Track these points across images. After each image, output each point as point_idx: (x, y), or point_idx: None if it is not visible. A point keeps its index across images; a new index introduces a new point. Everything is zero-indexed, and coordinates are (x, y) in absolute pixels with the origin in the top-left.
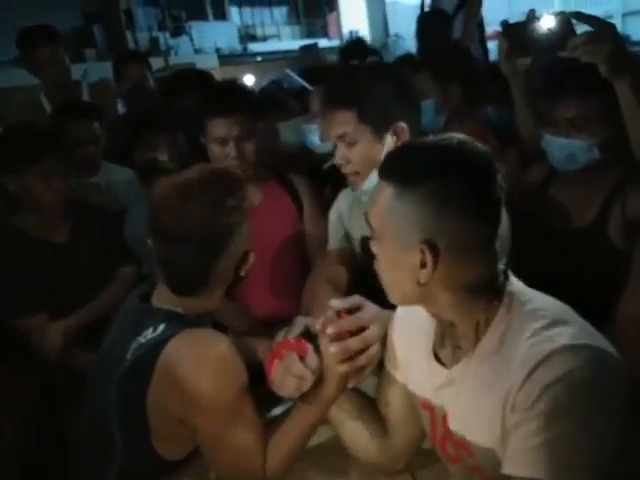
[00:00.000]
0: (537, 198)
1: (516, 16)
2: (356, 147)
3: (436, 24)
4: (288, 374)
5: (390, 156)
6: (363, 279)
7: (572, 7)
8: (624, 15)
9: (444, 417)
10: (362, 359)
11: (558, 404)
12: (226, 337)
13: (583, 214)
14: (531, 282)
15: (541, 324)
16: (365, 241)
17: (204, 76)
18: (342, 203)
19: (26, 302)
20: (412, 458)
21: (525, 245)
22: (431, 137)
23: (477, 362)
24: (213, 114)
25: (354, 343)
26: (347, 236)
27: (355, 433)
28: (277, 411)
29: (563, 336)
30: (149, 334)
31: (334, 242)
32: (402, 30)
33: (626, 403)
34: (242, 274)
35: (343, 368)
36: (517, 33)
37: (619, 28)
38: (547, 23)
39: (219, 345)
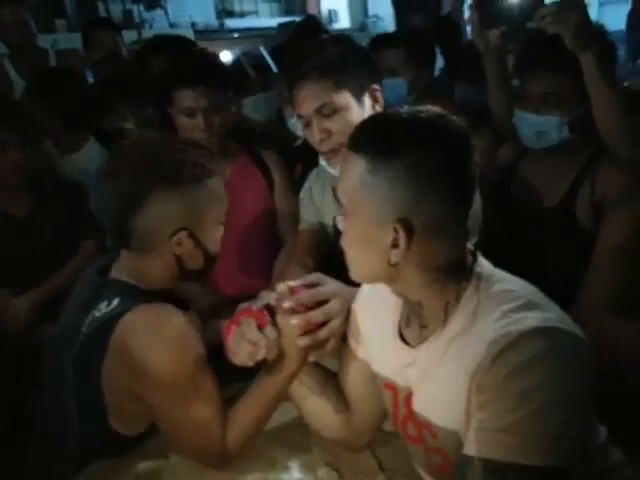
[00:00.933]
0: (507, 177)
1: None
2: (337, 116)
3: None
4: (243, 339)
5: (362, 126)
6: (333, 260)
7: None
8: (601, 4)
9: (407, 397)
10: (323, 332)
11: (528, 385)
12: (182, 312)
13: (552, 193)
14: (499, 262)
15: (510, 306)
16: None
17: (183, 42)
18: (313, 183)
19: None
20: (374, 436)
21: (494, 224)
22: (406, 108)
23: (444, 342)
24: (181, 84)
25: (315, 315)
26: (318, 217)
27: (317, 409)
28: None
29: (533, 319)
30: (103, 308)
31: (304, 222)
32: (381, 11)
33: (593, 390)
34: (179, 252)
35: (303, 341)
36: (488, 4)
37: (595, 17)
38: None
39: (174, 320)
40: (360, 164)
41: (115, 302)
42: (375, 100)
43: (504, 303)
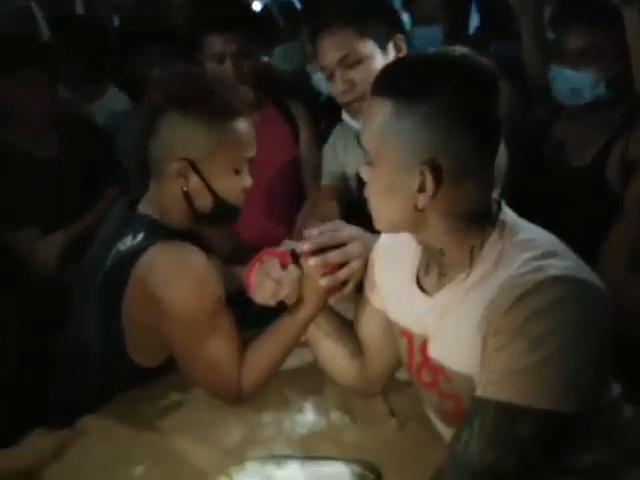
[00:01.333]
0: (540, 135)
1: None
2: (361, 66)
3: None
4: (266, 277)
5: (387, 70)
6: (355, 214)
7: None
8: None
9: (423, 344)
10: (342, 272)
11: (545, 329)
12: (201, 251)
13: (584, 152)
14: (529, 217)
15: (532, 254)
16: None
17: None
18: (337, 138)
19: (15, 216)
20: (387, 383)
21: (525, 181)
22: (431, 50)
23: (466, 288)
24: (209, 29)
25: (334, 256)
26: (341, 171)
27: (333, 353)
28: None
29: (554, 267)
30: (128, 241)
31: (327, 177)
32: None
33: (608, 342)
34: (184, 185)
35: (323, 282)
36: None
37: None
38: None
39: (193, 257)
40: (385, 108)
41: (140, 237)
42: (399, 50)
43: (526, 251)
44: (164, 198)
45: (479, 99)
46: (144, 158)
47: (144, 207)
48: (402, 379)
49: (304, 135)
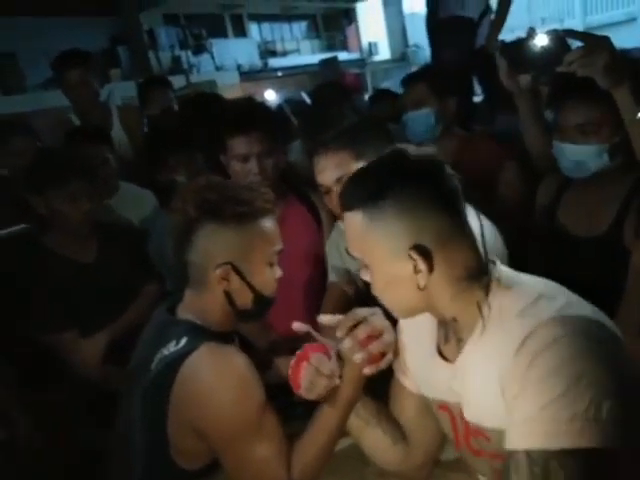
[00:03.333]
0: (550, 209)
1: (535, 22)
2: None
3: (458, 31)
4: (318, 375)
5: (344, 188)
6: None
7: (592, 11)
8: None
9: (461, 412)
10: (374, 346)
11: (548, 370)
12: (242, 354)
13: (598, 222)
14: None
15: (527, 302)
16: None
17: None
18: (338, 238)
19: (57, 319)
20: (431, 468)
21: (540, 257)
22: (373, 160)
23: (474, 348)
24: (235, 132)
25: (374, 347)
26: (345, 267)
27: (375, 441)
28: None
29: (549, 310)
30: (172, 347)
31: (332, 273)
32: (421, 40)
33: (627, 376)
34: (226, 287)
35: (358, 357)
36: (514, 52)
37: None
38: (541, 41)
39: (235, 361)
40: (357, 218)
41: (183, 341)
42: None
43: (521, 302)
44: (205, 302)
45: (431, 180)
46: (182, 267)
47: (183, 312)
48: (446, 459)
49: (326, 223)
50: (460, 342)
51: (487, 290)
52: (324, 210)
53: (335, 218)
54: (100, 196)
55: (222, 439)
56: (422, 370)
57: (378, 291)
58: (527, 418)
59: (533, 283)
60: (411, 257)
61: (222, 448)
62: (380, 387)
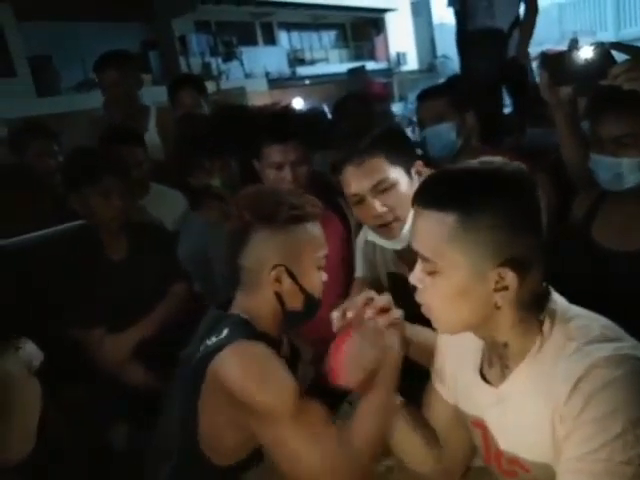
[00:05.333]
0: (585, 223)
1: (567, 35)
2: (393, 190)
3: (488, 43)
4: (351, 357)
5: (432, 184)
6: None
7: (626, 24)
8: None
9: (495, 436)
10: (393, 313)
11: (603, 411)
12: (268, 349)
13: (633, 237)
14: (580, 305)
15: (583, 341)
16: (392, 277)
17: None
18: (369, 232)
19: (87, 315)
20: (464, 472)
21: (577, 271)
22: (467, 163)
23: (522, 379)
24: (271, 140)
25: (380, 299)
26: (372, 268)
27: (414, 444)
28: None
29: (604, 349)
30: (214, 338)
31: (360, 270)
32: (450, 51)
33: None
34: (278, 288)
35: (382, 321)
36: (557, 63)
37: None
38: (585, 54)
39: (261, 357)
40: (448, 220)
41: (224, 333)
42: (419, 174)
43: (578, 338)
44: (256, 303)
45: (527, 197)
46: (234, 271)
47: (234, 308)
48: (477, 466)
49: (355, 229)
50: (506, 369)
51: (543, 319)
52: (353, 216)
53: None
54: (132, 195)
55: (268, 433)
56: (461, 385)
57: (437, 300)
58: (576, 457)
59: (592, 320)
60: (500, 274)
61: (272, 444)
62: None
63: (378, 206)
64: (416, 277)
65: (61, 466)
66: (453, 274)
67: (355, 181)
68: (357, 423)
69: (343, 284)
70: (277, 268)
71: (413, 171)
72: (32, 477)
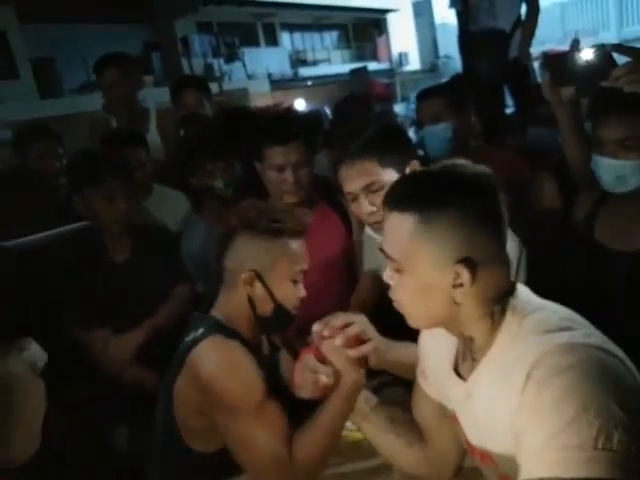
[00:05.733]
0: (587, 223)
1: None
2: (383, 191)
3: (491, 43)
4: (306, 371)
5: (400, 186)
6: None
7: (628, 23)
8: None
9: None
10: (365, 346)
11: (556, 396)
12: (242, 347)
13: (635, 237)
14: (581, 305)
15: (539, 332)
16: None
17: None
18: (367, 227)
19: (91, 316)
20: (457, 471)
21: (578, 270)
22: (431, 166)
23: (485, 372)
24: (272, 142)
25: (351, 329)
26: (375, 257)
27: (390, 444)
28: None
29: (557, 338)
30: (191, 335)
31: (366, 263)
32: (452, 51)
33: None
34: (249, 291)
35: (351, 353)
36: (559, 64)
37: None
38: (586, 55)
39: (235, 352)
40: (408, 221)
41: (200, 331)
42: None
43: (536, 329)
44: (232, 303)
45: (488, 198)
46: (219, 269)
47: (214, 311)
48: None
49: (355, 229)
50: (474, 362)
51: (504, 313)
52: (354, 216)
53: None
54: (135, 197)
55: (223, 423)
56: (440, 381)
57: (404, 296)
58: (538, 447)
59: (553, 312)
60: (457, 271)
61: (226, 429)
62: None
63: (368, 205)
64: (387, 275)
65: (64, 467)
66: (415, 272)
67: (348, 181)
68: (307, 428)
69: (344, 280)
70: (249, 272)
71: (408, 170)
72: (36, 478)
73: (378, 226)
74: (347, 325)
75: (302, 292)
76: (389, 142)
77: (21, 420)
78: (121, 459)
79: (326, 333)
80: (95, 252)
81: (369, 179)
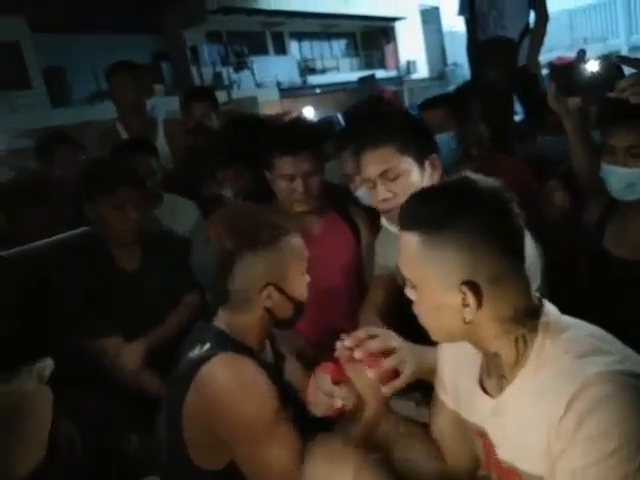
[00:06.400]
0: (597, 231)
1: (578, 42)
2: (401, 179)
3: (500, 51)
4: (320, 392)
5: (407, 206)
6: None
7: (637, 30)
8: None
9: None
10: (387, 361)
11: (597, 430)
12: (255, 364)
13: None
14: (592, 315)
15: (575, 353)
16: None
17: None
18: (386, 235)
19: (102, 324)
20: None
21: (586, 278)
22: (442, 180)
23: (518, 391)
24: (282, 152)
25: (374, 344)
26: (390, 265)
27: (408, 457)
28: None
29: (595, 365)
30: (197, 350)
31: (378, 269)
32: (460, 58)
33: None
34: (269, 304)
35: (371, 373)
36: (565, 74)
37: None
38: (592, 67)
39: (248, 370)
40: (414, 241)
41: (206, 346)
42: (434, 168)
43: (571, 352)
44: (246, 319)
45: (493, 218)
46: (222, 289)
47: (217, 321)
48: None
49: (364, 236)
50: (502, 379)
51: (536, 332)
52: (363, 223)
53: (372, 222)
54: (146, 206)
55: (236, 443)
56: (463, 394)
57: (421, 312)
58: (574, 472)
59: (584, 332)
60: (462, 291)
61: (239, 453)
62: None
63: (383, 192)
64: (407, 291)
65: (74, 473)
66: (425, 289)
67: (367, 167)
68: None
69: (354, 288)
70: (267, 287)
71: (427, 163)
72: None
73: (392, 215)
74: (370, 337)
75: (307, 278)
76: (409, 130)
77: (27, 434)
78: (131, 466)
79: (348, 343)
80: (100, 259)
81: (387, 165)
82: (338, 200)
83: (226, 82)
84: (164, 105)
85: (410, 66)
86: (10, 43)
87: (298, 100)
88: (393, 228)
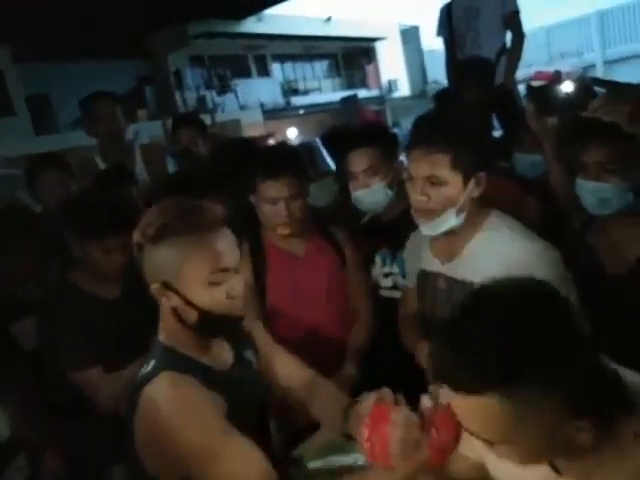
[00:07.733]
0: (575, 247)
1: (555, 57)
2: (443, 188)
3: (478, 70)
4: (407, 427)
5: (454, 371)
6: None
7: (610, 44)
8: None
9: None
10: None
11: None
12: (195, 382)
13: (624, 259)
14: None
15: None
16: (422, 275)
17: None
18: (419, 238)
19: (82, 355)
20: None
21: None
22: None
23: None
24: (265, 176)
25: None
26: (419, 268)
27: None
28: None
29: None
30: (144, 369)
31: (408, 279)
32: (440, 76)
33: None
34: (171, 304)
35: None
36: (542, 95)
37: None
38: (567, 88)
39: (186, 393)
40: (489, 403)
41: (151, 364)
42: (479, 185)
43: None
44: (164, 320)
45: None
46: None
47: (160, 331)
48: None
49: (349, 258)
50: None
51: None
52: (347, 244)
53: (366, 252)
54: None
55: (185, 465)
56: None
57: (518, 459)
58: None
59: None
60: (579, 427)
61: (190, 471)
62: None
63: (420, 194)
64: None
65: None
66: (523, 443)
67: (414, 164)
68: None
69: (343, 313)
70: (157, 284)
71: (473, 181)
72: None
73: (422, 215)
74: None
75: (235, 291)
76: (467, 142)
77: None
78: None
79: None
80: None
81: (434, 172)
82: (322, 223)
83: (210, 105)
84: (147, 129)
85: (392, 85)
86: None
87: (282, 121)
88: (424, 228)
